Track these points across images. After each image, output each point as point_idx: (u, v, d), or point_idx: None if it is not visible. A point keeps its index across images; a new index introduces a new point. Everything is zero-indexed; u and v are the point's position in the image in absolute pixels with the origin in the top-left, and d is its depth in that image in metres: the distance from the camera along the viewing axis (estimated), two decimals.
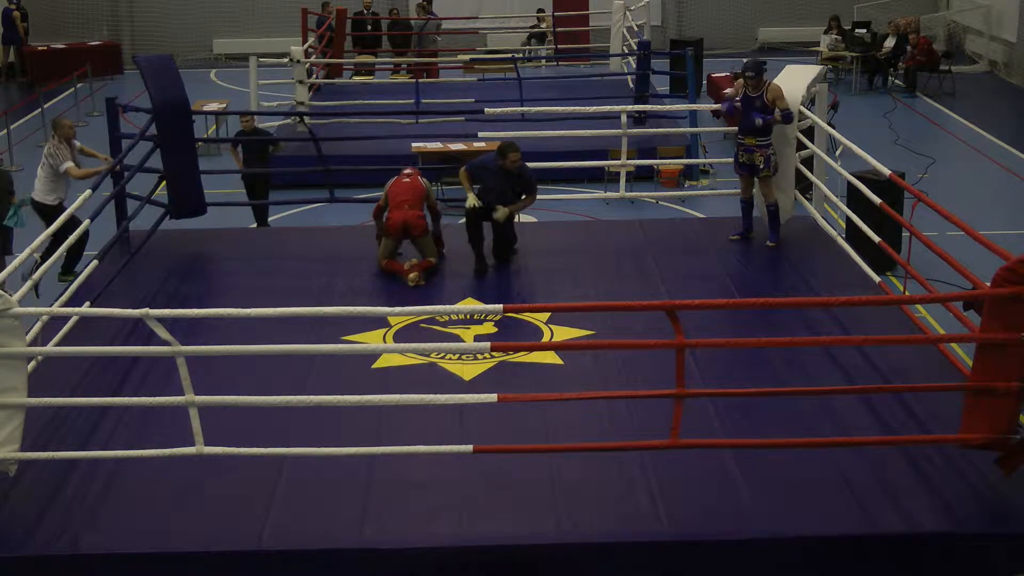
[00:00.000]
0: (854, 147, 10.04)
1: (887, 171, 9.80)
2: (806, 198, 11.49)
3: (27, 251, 8.20)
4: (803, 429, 7.23)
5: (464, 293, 9.86)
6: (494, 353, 8.45)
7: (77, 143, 12.23)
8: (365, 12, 23.40)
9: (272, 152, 13.71)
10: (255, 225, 13.33)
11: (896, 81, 22.70)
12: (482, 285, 10.03)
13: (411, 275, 10.01)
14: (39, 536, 6.42)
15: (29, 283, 8.19)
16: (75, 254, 11.51)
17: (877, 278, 9.36)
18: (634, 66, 19.11)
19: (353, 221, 12.90)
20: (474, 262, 10.32)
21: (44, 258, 10.09)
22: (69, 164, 11.77)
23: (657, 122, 17.01)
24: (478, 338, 8.85)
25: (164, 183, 11.21)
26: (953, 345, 8.56)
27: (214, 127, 18.17)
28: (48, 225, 10.93)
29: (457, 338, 8.87)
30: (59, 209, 11.34)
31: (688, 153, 15.77)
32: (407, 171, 10.60)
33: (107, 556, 6.32)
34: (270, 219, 14.00)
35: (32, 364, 7.57)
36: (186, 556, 6.31)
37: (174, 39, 25.86)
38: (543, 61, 24.85)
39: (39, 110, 19.43)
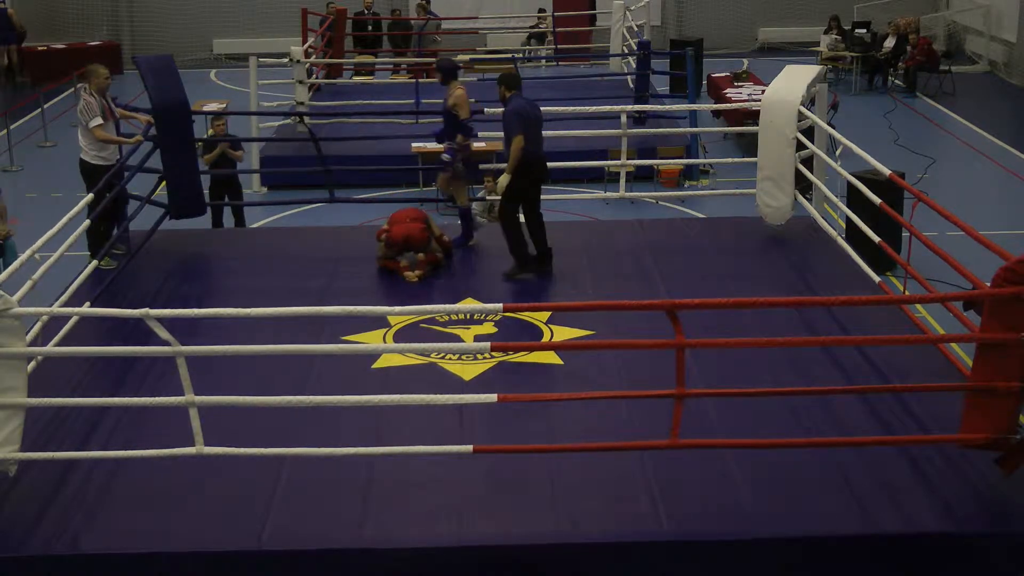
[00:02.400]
0: (854, 147, 10.04)
1: (887, 171, 9.79)
2: (806, 198, 11.49)
3: (28, 252, 8.19)
4: (803, 429, 7.24)
5: (464, 293, 9.85)
6: (494, 353, 8.44)
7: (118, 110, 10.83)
8: (365, 12, 23.41)
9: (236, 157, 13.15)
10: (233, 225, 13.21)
11: (896, 81, 22.70)
12: (482, 285, 10.02)
13: (408, 273, 10.04)
14: (39, 536, 6.41)
15: (29, 283, 8.18)
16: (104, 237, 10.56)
17: (877, 278, 9.35)
18: (634, 66, 19.12)
19: (353, 221, 12.91)
20: (521, 266, 10.05)
21: (93, 221, 9.80)
22: (98, 121, 10.23)
23: (657, 122, 17.00)
24: (478, 338, 8.84)
25: (164, 183, 11.21)
26: (953, 345, 8.56)
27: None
28: (89, 187, 10.26)
29: (457, 338, 8.87)
30: (105, 171, 10.31)
31: (688, 153, 15.78)
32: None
33: (107, 556, 6.32)
34: (270, 219, 14.01)
35: (32, 364, 7.57)
36: (186, 556, 6.31)
37: (174, 39, 25.86)
38: (543, 61, 24.85)
39: (39, 110, 19.44)
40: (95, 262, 9.62)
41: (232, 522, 6.50)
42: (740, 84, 19.88)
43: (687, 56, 17.23)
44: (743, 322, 8.60)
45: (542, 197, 10.31)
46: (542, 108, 10.35)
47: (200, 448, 6.55)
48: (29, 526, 6.48)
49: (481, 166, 13.35)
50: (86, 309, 8.04)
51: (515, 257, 10.11)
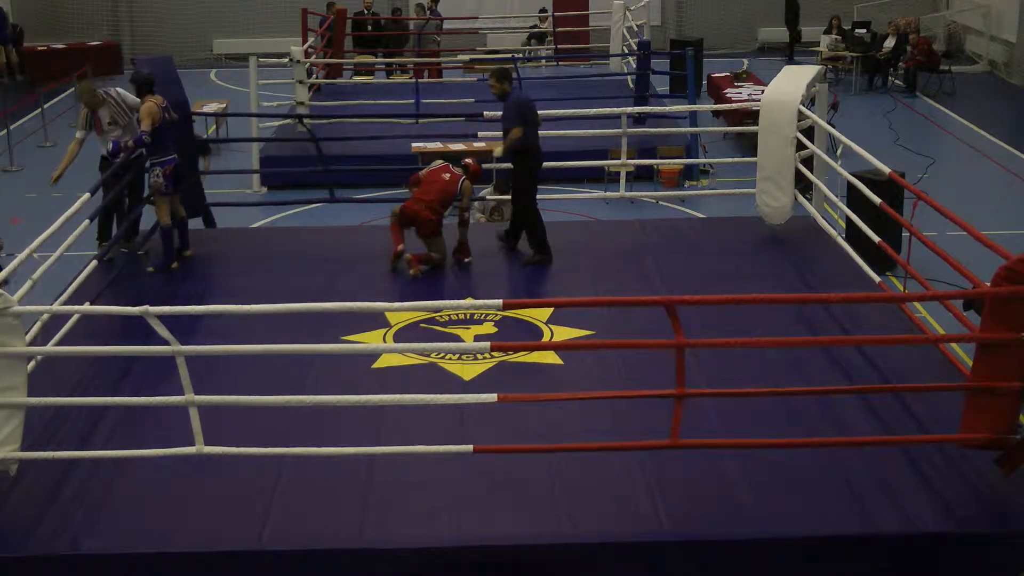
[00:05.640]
0: (854, 147, 10.04)
1: (887, 170, 9.79)
2: (806, 198, 11.49)
3: (27, 250, 8.17)
4: (803, 429, 7.23)
5: (464, 293, 9.85)
6: (494, 353, 8.44)
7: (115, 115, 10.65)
8: (365, 12, 23.40)
9: (203, 162, 12.97)
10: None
11: (896, 81, 22.70)
12: (482, 285, 10.03)
13: (412, 271, 10.07)
14: (39, 536, 6.41)
15: (29, 283, 8.16)
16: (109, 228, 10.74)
17: (877, 278, 9.35)
18: (634, 66, 19.12)
19: (353, 221, 12.90)
20: (537, 253, 10.53)
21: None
22: (78, 134, 10.56)
23: (657, 122, 16.99)
24: (478, 338, 8.84)
25: None
26: (953, 345, 8.56)
27: (213, 127, 18.17)
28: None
29: (457, 338, 8.86)
30: (108, 166, 10.50)
31: (688, 153, 15.77)
32: (456, 169, 10.52)
33: (107, 556, 6.32)
34: (270, 219, 13.99)
35: (32, 363, 7.57)
36: (186, 556, 6.31)
37: (174, 39, 25.85)
38: (543, 61, 24.84)
39: (39, 110, 19.44)
40: (94, 262, 9.60)
41: (232, 522, 6.50)
42: (740, 84, 19.88)
43: (687, 56, 17.22)
44: (743, 322, 8.60)
45: (543, 197, 10.40)
46: (542, 108, 10.46)
47: (200, 448, 6.55)
48: (29, 526, 6.48)
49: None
50: (86, 307, 8.03)
51: (532, 246, 10.62)
